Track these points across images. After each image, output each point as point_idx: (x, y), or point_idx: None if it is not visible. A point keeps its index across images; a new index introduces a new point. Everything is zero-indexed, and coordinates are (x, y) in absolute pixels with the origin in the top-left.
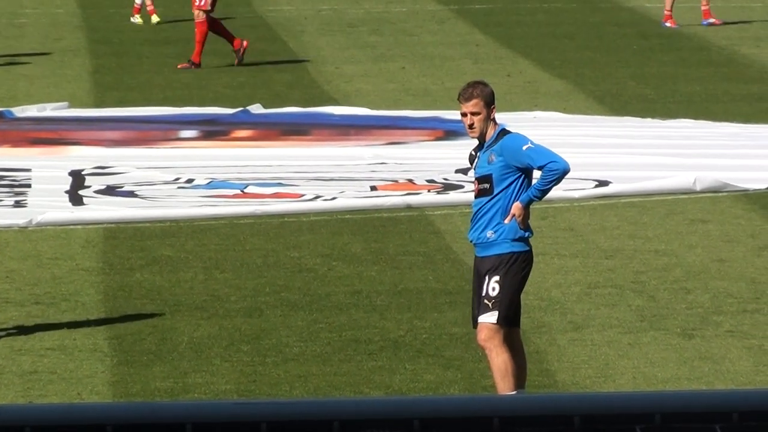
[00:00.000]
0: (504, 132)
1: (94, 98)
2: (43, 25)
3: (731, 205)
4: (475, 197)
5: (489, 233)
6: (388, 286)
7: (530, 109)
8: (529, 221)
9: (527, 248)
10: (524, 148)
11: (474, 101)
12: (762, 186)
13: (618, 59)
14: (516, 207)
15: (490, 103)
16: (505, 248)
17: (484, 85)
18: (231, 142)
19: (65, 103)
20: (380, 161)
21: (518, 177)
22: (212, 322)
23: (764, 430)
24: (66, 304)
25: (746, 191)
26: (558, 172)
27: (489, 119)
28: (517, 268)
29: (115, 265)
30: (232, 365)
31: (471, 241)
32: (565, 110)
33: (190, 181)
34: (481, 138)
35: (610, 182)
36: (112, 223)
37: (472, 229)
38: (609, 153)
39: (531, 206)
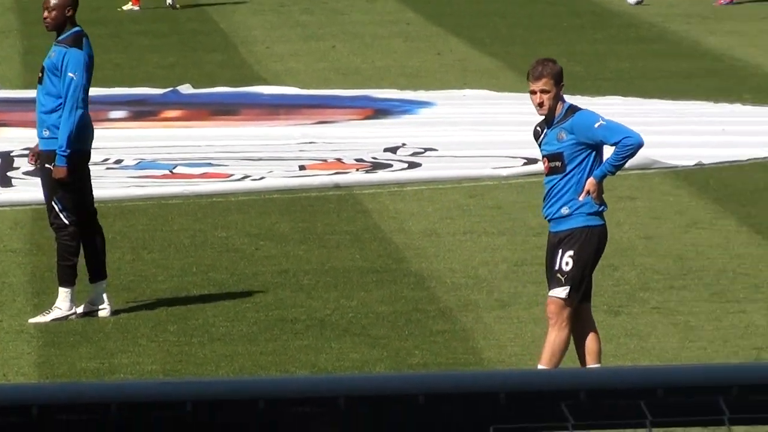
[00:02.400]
0: (573, 109)
1: (24, 79)
2: None
3: (660, 182)
4: (546, 175)
5: (564, 209)
6: (315, 265)
7: (460, 87)
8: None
9: (602, 222)
10: (596, 125)
11: (544, 80)
12: (690, 163)
13: (548, 37)
14: (590, 183)
15: (559, 81)
16: (580, 222)
17: (553, 63)
18: (160, 123)
19: None
20: (309, 140)
21: (590, 153)
22: (139, 302)
23: (688, 406)
24: None
25: (675, 168)
26: (632, 147)
27: (558, 97)
28: (591, 241)
29: (43, 246)
30: (159, 345)
31: (546, 218)
32: (494, 88)
33: (118, 161)
34: (550, 116)
35: (539, 160)
36: (40, 204)
37: (546, 205)
38: None
39: (604, 180)
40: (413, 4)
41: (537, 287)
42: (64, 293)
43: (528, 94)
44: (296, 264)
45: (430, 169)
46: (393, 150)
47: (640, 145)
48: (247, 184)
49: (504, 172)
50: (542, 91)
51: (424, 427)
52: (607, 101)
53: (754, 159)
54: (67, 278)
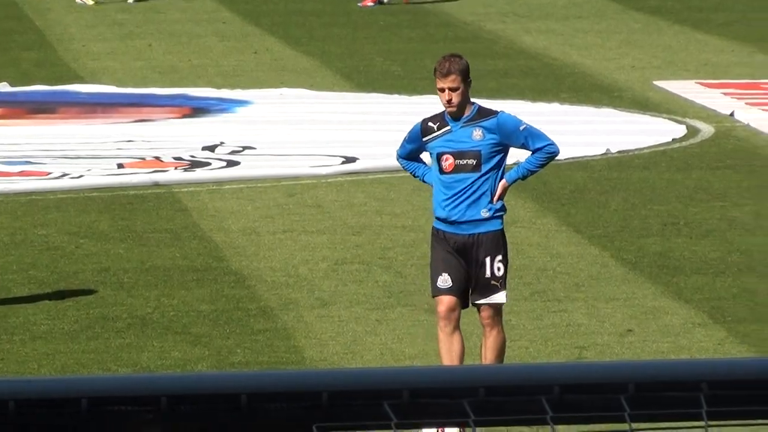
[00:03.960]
0: (485, 109)
1: None
2: None
3: None
4: (453, 172)
5: (483, 211)
6: (135, 264)
7: (277, 86)
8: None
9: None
10: (521, 128)
11: (452, 77)
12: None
13: (365, 35)
14: (503, 186)
15: (466, 77)
16: (498, 224)
17: (460, 58)
18: None
19: None
20: (127, 139)
21: (504, 155)
22: None
23: (510, 405)
24: None
25: None
26: (553, 155)
27: (466, 93)
28: (506, 243)
29: None
30: None
31: (453, 219)
32: (312, 87)
33: None
34: (458, 112)
35: (358, 159)
36: None
37: (453, 204)
38: (356, 129)
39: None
40: (229, 3)
41: (357, 286)
42: None
43: (344, 93)
44: (116, 262)
45: (249, 168)
46: (211, 148)
47: (557, 154)
48: (65, 182)
49: (323, 171)
50: (451, 89)
51: (247, 426)
52: (424, 100)
53: (573, 158)
54: None
